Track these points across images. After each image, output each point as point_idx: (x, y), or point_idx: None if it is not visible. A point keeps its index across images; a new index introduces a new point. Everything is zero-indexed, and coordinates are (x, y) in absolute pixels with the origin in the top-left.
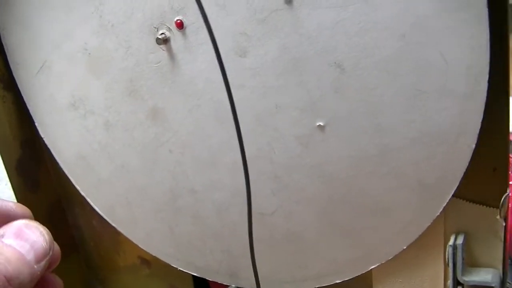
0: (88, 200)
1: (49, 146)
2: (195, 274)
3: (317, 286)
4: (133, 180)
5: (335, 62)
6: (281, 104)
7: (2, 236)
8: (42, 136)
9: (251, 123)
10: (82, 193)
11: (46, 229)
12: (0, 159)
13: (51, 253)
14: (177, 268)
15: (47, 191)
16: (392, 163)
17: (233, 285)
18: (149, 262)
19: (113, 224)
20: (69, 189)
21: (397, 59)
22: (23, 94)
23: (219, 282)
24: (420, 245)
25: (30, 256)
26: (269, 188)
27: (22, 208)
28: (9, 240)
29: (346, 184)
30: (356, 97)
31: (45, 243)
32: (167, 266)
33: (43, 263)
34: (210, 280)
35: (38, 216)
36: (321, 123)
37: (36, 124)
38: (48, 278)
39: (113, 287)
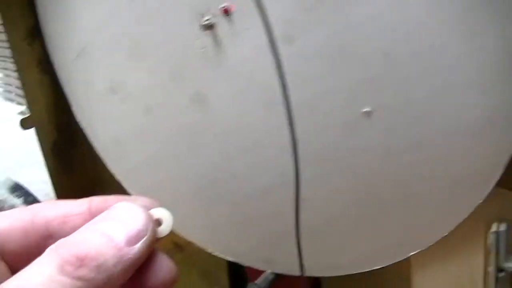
0: (124, 184)
1: (86, 130)
2: (231, 259)
3: (355, 272)
4: (172, 164)
5: (382, 51)
6: (327, 90)
7: (97, 220)
8: (79, 120)
9: (296, 108)
10: (118, 178)
11: (147, 211)
12: (36, 141)
13: (148, 234)
14: (211, 253)
15: (81, 175)
16: (436, 152)
17: (270, 271)
18: (182, 247)
19: None
20: (103, 174)
21: (442, 52)
22: (60, 78)
23: (255, 267)
24: (461, 232)
25: (119, 238)
26: (311, 173)
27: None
28: (101, 223)
29: (391, 171)
30: (400, 86)
31: (140, 225)
32: (201, 251)
33: (137, 246)
34: (246, 265)
35: (71, 199)
36: (368, 109)
37: (73, 108)
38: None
39: None
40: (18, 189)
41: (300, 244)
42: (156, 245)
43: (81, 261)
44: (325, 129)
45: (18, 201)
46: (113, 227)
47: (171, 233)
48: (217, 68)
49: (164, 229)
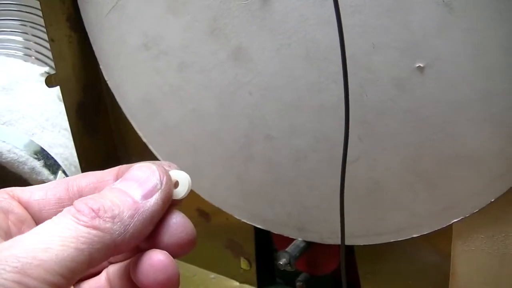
0: (150, 147)
1: (113, 89)
2: (259, 227)
3: (392, 241)
4: (204, 125)
5: (443, 1)
6: (379, 44)
7: (116, 182)
8: (106, 79)
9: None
10: (144, 140)
11: (163, 168)
12: (58, 105)
13: (162, 187)
14: (238, 221)
15: (104, 137)
16: (492, 109)
17: (300, 239)
18: (208, 214)
19: None
20: (127, 137)
21: None
22: (90, 35)
23: (285, 235)
24: (508, 199)
25: (135, 193)
26: (355, 134)
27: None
28: (118, 184)
29: (441, 130)
30: (461, 38)
31: (155, 180)
32: (227, 219)
33: (152, 198)
34: (276, 233)
35: (93, 162)
36: (421, 65)
37: (101, 66)
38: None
39: None
40: (38, 152)
41: (344, 210)
42: (177, 207)
43: (96, 212)
44: (371, 86)
45: (38, 163)
46: (129, 184)
47: (197, 201)
48: (261, 21)
49: (181, 190)
